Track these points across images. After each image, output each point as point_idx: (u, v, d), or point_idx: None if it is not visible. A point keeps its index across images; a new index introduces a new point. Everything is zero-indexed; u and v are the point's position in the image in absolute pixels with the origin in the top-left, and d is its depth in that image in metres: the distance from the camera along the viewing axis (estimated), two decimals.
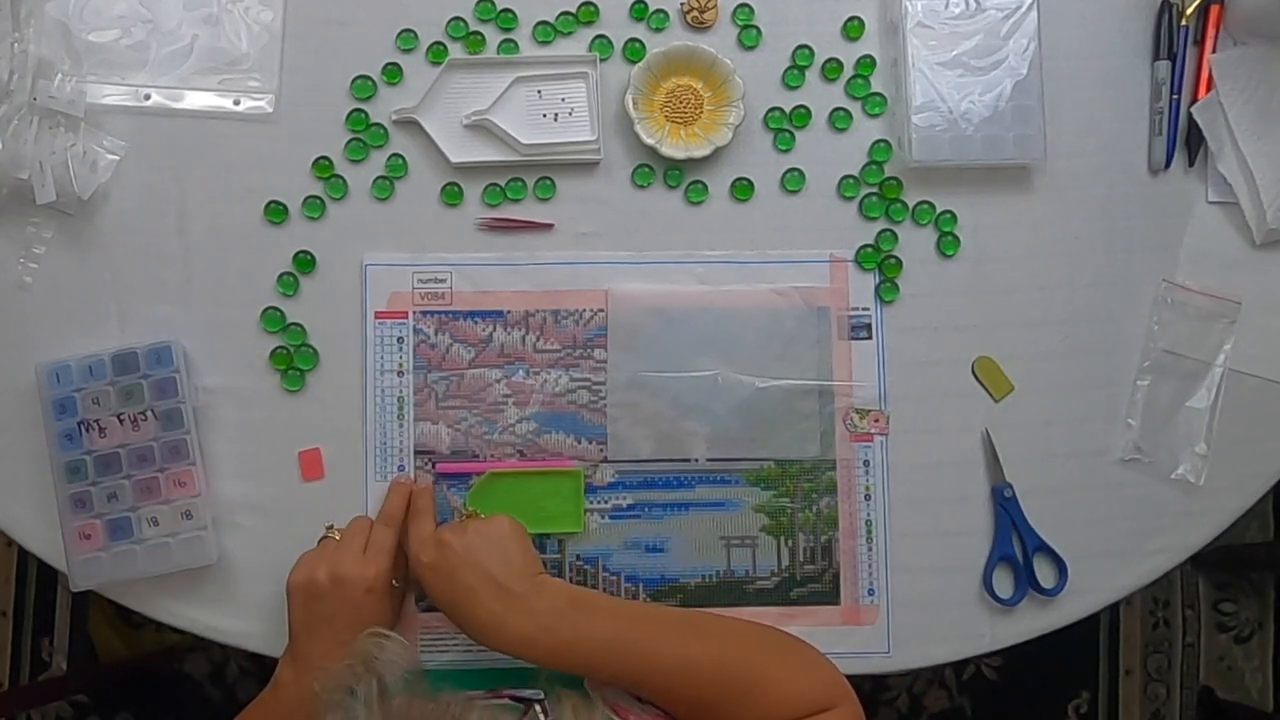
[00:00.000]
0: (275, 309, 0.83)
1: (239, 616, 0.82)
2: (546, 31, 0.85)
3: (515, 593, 0.71)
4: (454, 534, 0.74)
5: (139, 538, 0.79)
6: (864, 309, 0.84)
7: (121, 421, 0.80)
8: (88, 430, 0.79)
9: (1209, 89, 0.85)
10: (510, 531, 0.75)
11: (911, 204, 0.85)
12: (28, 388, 0.81)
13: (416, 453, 0.83)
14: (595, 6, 0.85)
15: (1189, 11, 0.86)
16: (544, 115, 0.84)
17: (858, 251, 0.85)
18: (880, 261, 0.85)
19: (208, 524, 0.80)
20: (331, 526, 0.79)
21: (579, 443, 0.83)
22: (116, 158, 0.83)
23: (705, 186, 0.85)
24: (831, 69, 0.86)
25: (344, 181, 0.84)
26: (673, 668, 0.70)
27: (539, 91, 0.84)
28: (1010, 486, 0.83)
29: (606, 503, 0.83)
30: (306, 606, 0.75)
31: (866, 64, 0.86)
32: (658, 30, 0.86)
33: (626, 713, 0.69)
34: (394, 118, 0.84)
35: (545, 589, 0.73)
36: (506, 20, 0.85)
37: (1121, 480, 0.84)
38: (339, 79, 0.84)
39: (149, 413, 0.80)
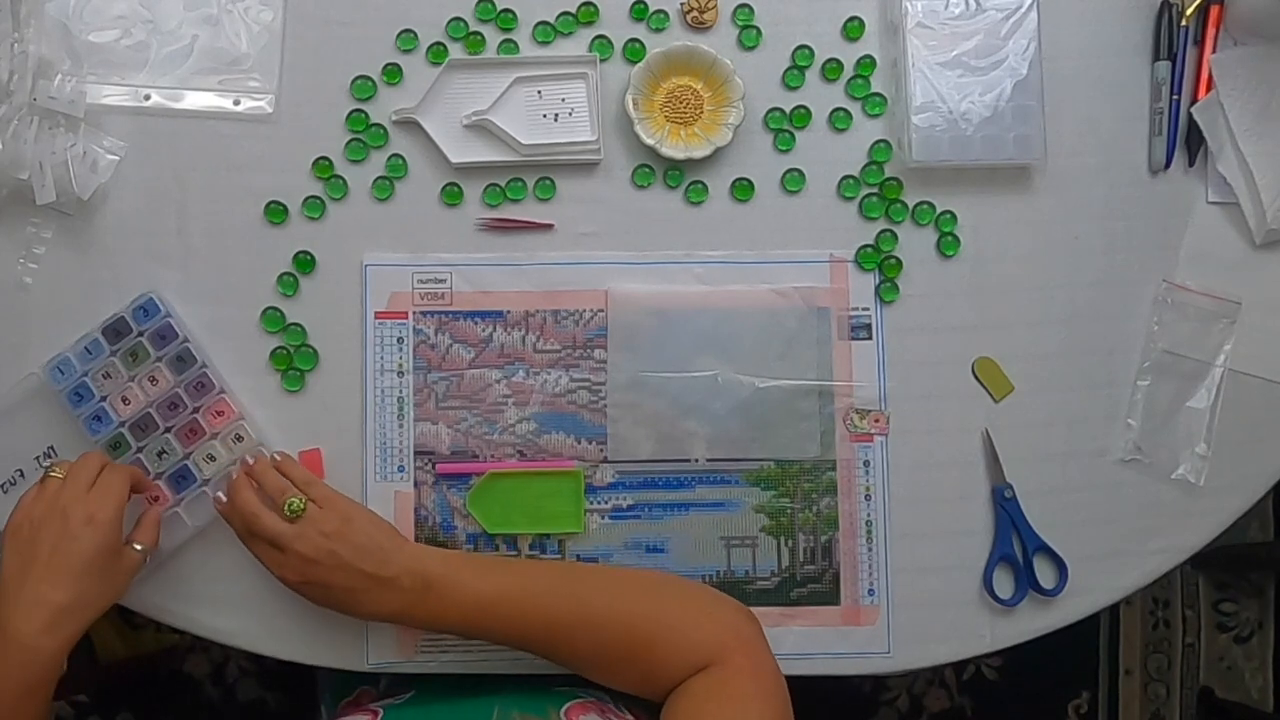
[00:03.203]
0: (275, 309, 0.83)
1: (239, 616, 0.82)
2: (546, 32, 0.85)
3: (386, 575, 0.71)
4: (311, 540, 0.71)
5: (203, 479, 0.80)
6: (864, 309, 0.84)
7: (139, 383, 0.81)
8: (111, 405, 0.80)
9: (1209, 89, 0.85)
10: (358, 513, 0.74)
11: (911, 204, 0.85)
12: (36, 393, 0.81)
13: (416, 453, 0.83)
14: (595, 6, 0.85)
15: (1189, 12, 0.86)
16: (544, 115, 0.84)
17: (858, 252, 0.85)
18: (880, 262, 0.85)
19: (262, 438, 0.81)
20: (53, 465, 0.74)
21: (579, 443, 0.83)
22: (116, 158, 0.83)
23: (705, 187, 0.85)
24: (831, 69, 0.86)
25: (344, 181, 0.84)
26: (572, 621, 0.69)
27: (539, 92, 0.84)
28: (1010, 487, 0.83)
29: (607, 503, 0.83)
30: (22, 549, 0.70)
31: (866, 64, 0.86)
32: (658, 30, 0.86)
33: None
34: (394, 118, 0.84)
35: (417, 557, 0.73)
36: (506, 20, 0.85)
37: (1121, 480, 0.84)
38: (339, 79, 0.84)
39: (160, 364, 0.81)
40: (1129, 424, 0.84)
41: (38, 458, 0.81)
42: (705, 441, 0.83)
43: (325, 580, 0.71)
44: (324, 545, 0.71)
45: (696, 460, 0.83)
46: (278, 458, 0.79)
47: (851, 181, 0.85)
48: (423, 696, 0.79)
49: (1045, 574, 0.83)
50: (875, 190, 0.85)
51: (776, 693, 0.66)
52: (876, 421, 0.84)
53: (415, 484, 0.83)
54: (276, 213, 0.84)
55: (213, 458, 0.81)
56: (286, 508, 0.72)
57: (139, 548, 0.75)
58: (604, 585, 0.73)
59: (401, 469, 0.83)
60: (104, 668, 1.53)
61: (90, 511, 0.71)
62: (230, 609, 0.82)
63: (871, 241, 0.85)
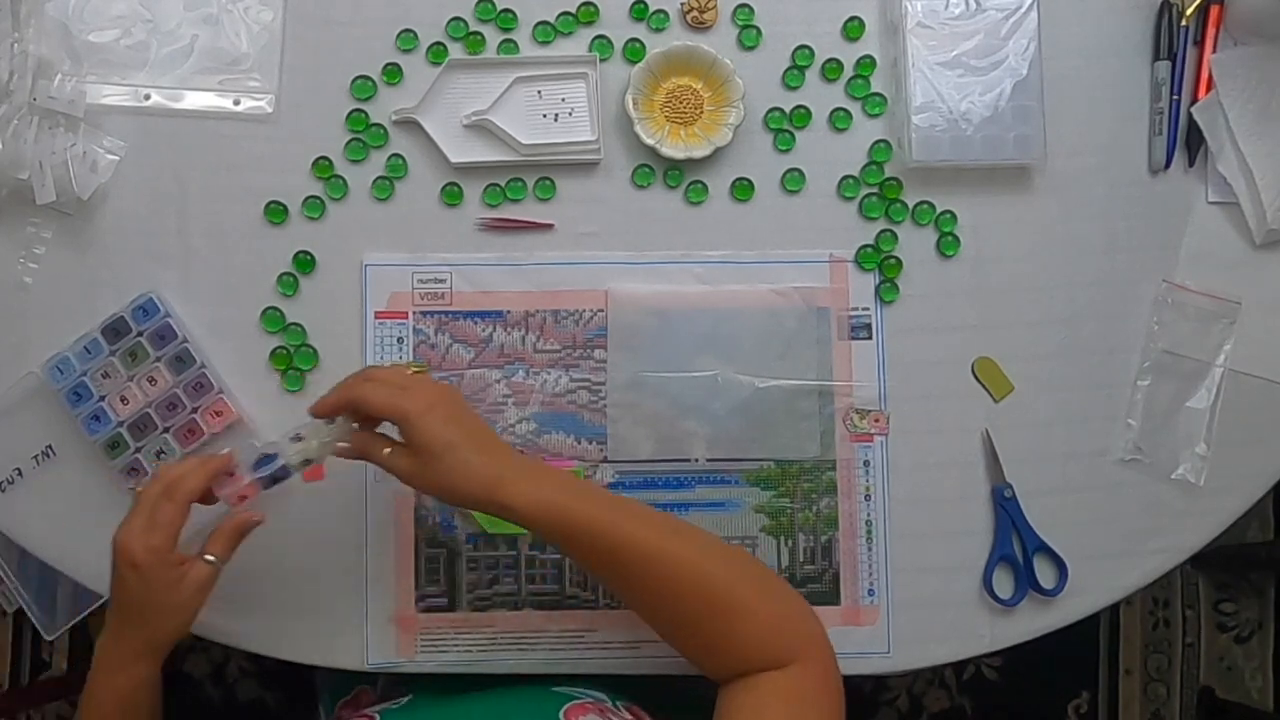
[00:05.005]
0: (275, 309, 0.83)
1: (239, 616, 0.82)
2: (546, 31, 0.85)
3: (493, 448, 0.68)
4: (432, 384, 0.72)
5: None
6: (864, 309, 0.84)
7: (138, 383, 0.81)
8: (110, 405, 0.80)
9: (1209, 89, 0.85)
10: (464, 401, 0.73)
11: (911, 204, 0.85)
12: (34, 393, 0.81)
13: None
14: (595, 6, 0.85)
15: (1189, 11, 0.86)
16: (544, 115, 0.84)
17: (858, 251, 0.85)
18: (880, 262, 0.85)
19: (260, 436, 0.81)
20: (138, 484, 0.75)
21: (579, 443, 0.83)
22: (116, 158, 0.83)
23: (705, 186, 0.85)
24: (831, 69, 0.86)
25: (344, 181, 0.84)
26: (658, 563, 0.66)
27: (539, 91, 0.84)
28: (1010, 487, 0.83)
29: None
30: (112, 578, 0.70)
31: (866, 64, 0.86)
32: (658, 30, 0.86)
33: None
34: (394, 118, 0.84)
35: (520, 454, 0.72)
36: (506, 20, 0.85)
37: (1121, 480, 0.84)
38: (339, 79, 0.84)
39: (159, 364, 0.81)
40: (1129, 424, 0.84)
41: (36, 457, 0.81)
42: (705, 441, 0.83)
43: (456, 410, 0.69)
44: (445, 389, 0.72)
45: (696, 460, 0.83)
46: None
47: (851, 181, 0.85)
48: (420, 700, 0.79)
49: (1045, 574, 0.83)
50: (875, 190, 0.85)
51: (840, 709, 0.66)
52: (876, 421, 0.84)
53: None
54: (276, 213, 0.84)
55: None
56: (409, 367, 0.75)
57: (210, 559, 0.72)
58: (717, 549, 0.70)
59: None
60: None
61: (133, 554, 0.69)
62: (230, 609, 0.82)
63: (871, 241, 0.85)
